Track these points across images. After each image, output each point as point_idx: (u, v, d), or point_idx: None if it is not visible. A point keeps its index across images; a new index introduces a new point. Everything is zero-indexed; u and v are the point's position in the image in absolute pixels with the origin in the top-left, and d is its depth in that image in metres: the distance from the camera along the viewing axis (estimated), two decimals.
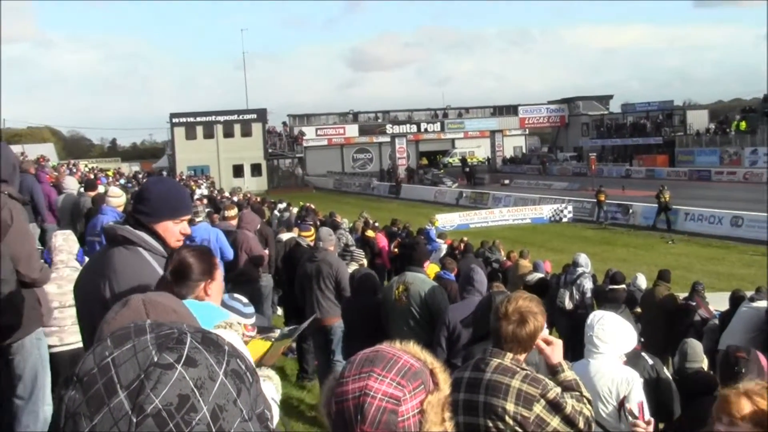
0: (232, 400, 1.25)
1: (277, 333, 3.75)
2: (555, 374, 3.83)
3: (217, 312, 3.26)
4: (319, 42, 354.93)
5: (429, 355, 1.75)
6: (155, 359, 1.23)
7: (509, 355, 3.76)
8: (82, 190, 14.53)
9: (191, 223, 10.79)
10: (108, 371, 1.23)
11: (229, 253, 10.62)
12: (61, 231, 7.78)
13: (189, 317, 2.14)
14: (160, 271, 3.46)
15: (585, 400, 3.79)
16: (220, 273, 3.43)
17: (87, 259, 6.32)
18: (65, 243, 7.19)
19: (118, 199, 10.24)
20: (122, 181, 35.69)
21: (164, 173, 60.43)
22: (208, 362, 1.25)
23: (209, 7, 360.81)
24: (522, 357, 3.81)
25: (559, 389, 3.70)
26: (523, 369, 3.74)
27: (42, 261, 5.04)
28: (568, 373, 3.85)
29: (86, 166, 53.41)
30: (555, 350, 3.88)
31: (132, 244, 3.64)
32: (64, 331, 6.81)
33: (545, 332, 3.92)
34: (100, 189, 14.62)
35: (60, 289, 6.66)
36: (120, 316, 2.04)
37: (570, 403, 3.68)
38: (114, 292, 3.42)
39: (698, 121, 75.51)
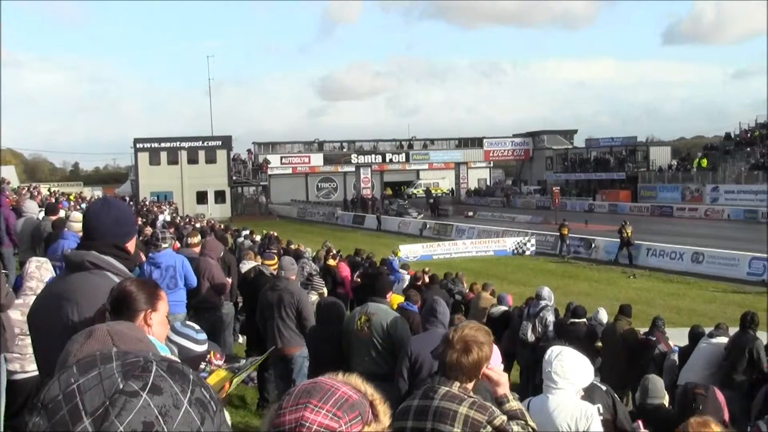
0: (196, 429, 1.25)
1: (242, 363, 3.76)
2: (501, 405, 3.87)
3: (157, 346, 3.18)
4: (290, 69, 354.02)
5: (370, 386, 1.76)
6: (120, 386, 1.23)
7: (457, 383, 3.84)
8: (42, 214, 14.36)
9: (157, 249, 10.79)
10: (73, 398, 1.23)
11: (193, 280, 10.55)
12: (36, 258, 7.69)
13: (153, 347, 2.13)
14: None
15: (530, 429, 3.86)
16: (163, 305, 3.31)
17: None
18: (37, 270, 7.11)
19: (80, 224, 10.11)
20: (84, 205, 35.33)
21: (126, 198, 59.91)
22: (173, 390, 1.26)
23: (180, 31, 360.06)
24: (470, 385, 3.90)
25: (505, 417, 3.77)
26: (470, 396, 3.81)
27: (8, 286, 4.96)
28: (514, 404, 3.93)
29: (48, 189, 52.82)
30: (501, 381, 3.95)
31: (98, 268, 3.62)
32: (26, 359, 6.72)
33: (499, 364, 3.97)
34: (62, 213, 14.47)
35: (23, 316, 6.55)
36: (86, 347, 2.01)
37: (516, 431, 3.74)
38: (83, 317, 3.38)
39: (661, 157, 76.44)
